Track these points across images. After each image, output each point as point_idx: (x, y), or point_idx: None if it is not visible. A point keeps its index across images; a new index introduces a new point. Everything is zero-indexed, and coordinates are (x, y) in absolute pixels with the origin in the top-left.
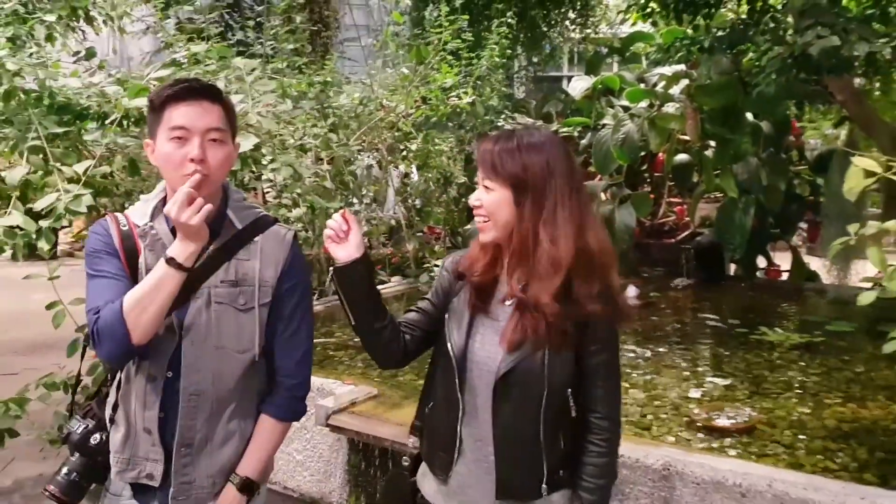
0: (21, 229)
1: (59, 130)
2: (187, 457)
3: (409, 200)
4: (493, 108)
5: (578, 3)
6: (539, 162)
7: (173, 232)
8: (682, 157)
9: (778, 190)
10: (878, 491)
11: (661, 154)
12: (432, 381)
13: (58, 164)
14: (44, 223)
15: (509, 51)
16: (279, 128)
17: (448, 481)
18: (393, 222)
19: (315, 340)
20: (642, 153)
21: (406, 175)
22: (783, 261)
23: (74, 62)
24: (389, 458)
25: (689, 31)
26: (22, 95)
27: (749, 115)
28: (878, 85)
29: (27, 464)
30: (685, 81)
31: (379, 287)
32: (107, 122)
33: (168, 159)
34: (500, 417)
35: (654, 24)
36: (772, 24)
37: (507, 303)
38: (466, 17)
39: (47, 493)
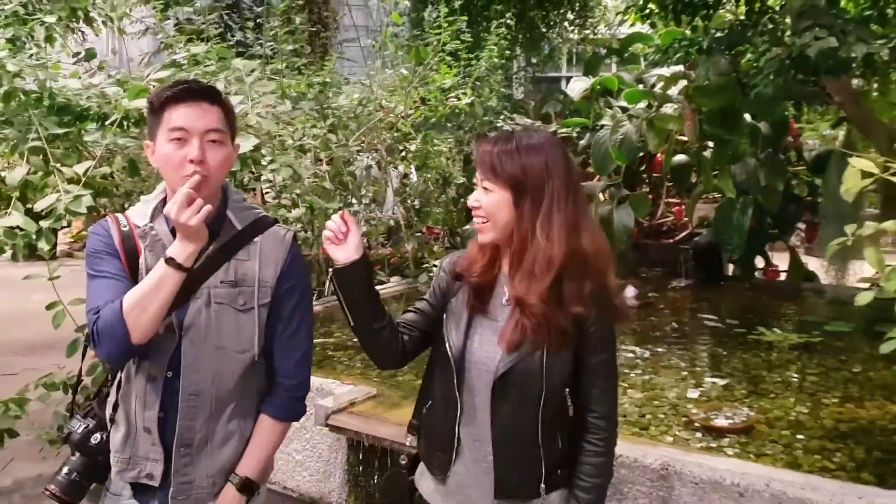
0: (21, 230)
1: (60, 131)
2: (187, 457)
3: (408, 201)
4: (491, 108)
5: (577, 4)
6: (538, 163)
7: (173, 232)
8: (680, 157)
9: (776, 190)
10: (875, 490)
11: (659, 155)
12: (430, 380)
13: (58, 165)
14: (44, 224)
15: (508, 52)
16: (278, 128)
17: (446, 481)
18: (392, 222)
19: (314, 341)
20: (641, 154)
21: (405, 175)
22: (781, 261)
23: (74, 63)
24: (389, 458)
25: (688, 33)
26: (22, 96)
27: (747, 116)
28: (875, 86)
29: (27, 464)
30: (683, 82)
31: (378, 287)
32: (107, 122)
33: (168, 160)
34: (498, 417)
35: (653, 25)
36: (770, 26)
37: (506, 303)
38: (465, 18)
39: (48, 493)
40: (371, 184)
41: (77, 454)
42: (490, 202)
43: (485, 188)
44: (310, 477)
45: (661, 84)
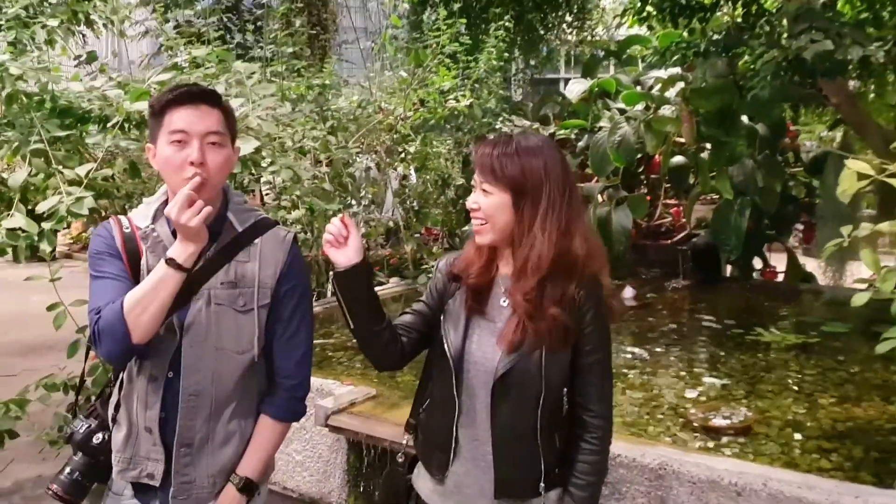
0: (23, 231)
1: (62, 134)
2: (187, 457)
3: (407, 202)
4: (490, 110)
5: (575, 7)
6: (537, 166)
7: (174, 234)
8: (678, 159)
9: (773, 192)
10: (871, 489)
11: (657, 156)
12: (428, 381)
13: (60, 167)
14: (46, 225)
15: (507, 54)
16: (278, 131)
17: (444, 481)
18: (391, 224)
19: (314, 341)
20: (639, 155)
21: (404, 177)
22: (779, 262)
23: (76, 66)
24: (388, 458)
25: (685, 35)
26: (24, 99)
27: (744, 118)
28: (872, 88)
29: (27, 465)
30: (681, 84)
31: (377, 288)
32: (108, 125)
33: (168, 163)
34: (498, 418)
35: (650, 27)
36: (767, 28)
37: (504, 304)
38: (464, 20)
39: (50, 492)
40: (370, 185)
41: (79, 454)
42: (490, 204)
43: (484, 190)
44: (310, 477)
45: (658, 86)
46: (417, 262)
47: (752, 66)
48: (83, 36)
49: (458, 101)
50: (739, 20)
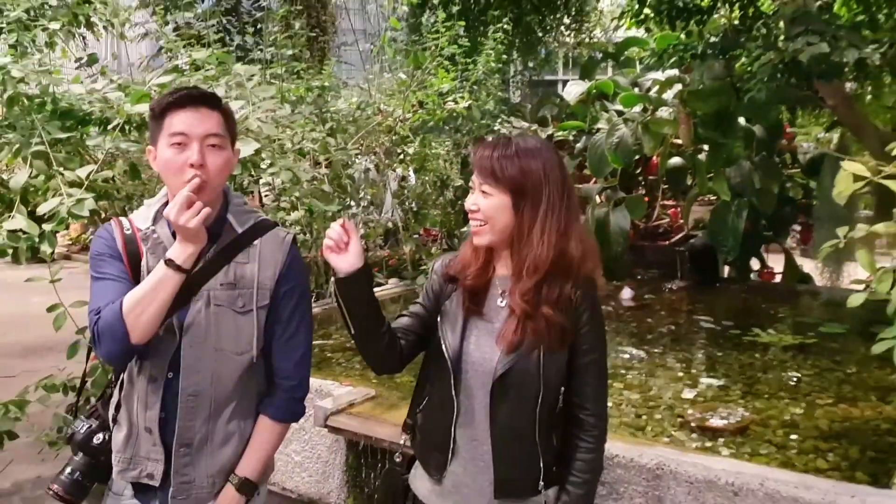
0: (24, 233)
1: (62, 136)
2: (186, 457)
3: (406, 203)
4: (489, 112)
5: (573, 9)
6: (537, 167)
7: (174, 235)
8: (675, 160)
9: (771, 193)
10: (867, 489)
11: (655, 158)
12: (426, 381)
13: (60, 169)
14: (47, 227)
15: (505, 56)
16: (278, 132)
17: (442, 481)
18: (390, 225)
19: (313, 342)
20: (636, 157)
21: (403, 178)
22: (776, 263)
23: (77, 68)
24: (387, 459)
25: (683, 37)
26: (26, 101)
27: (741, 120)
28: (869, 90)
29: (26, 466)
30: (678, 86)
31: (376, 289)
32: (109, 127)
33: (168, 165)
34: (497, 418)
35: (648, 29)
36: (763, 31)
37: (502, 304)
38: (463, 23)
39: (51, 493)
40: (369, 186)
41: (80, 454)
42: (489, 206)
43: (484, 192)
44: (309, 478)
45: (656, 88)
46: (416, 263)
47: (748, 69)
48: (83, 38)
49: (456, 102)
50: (736, 23)
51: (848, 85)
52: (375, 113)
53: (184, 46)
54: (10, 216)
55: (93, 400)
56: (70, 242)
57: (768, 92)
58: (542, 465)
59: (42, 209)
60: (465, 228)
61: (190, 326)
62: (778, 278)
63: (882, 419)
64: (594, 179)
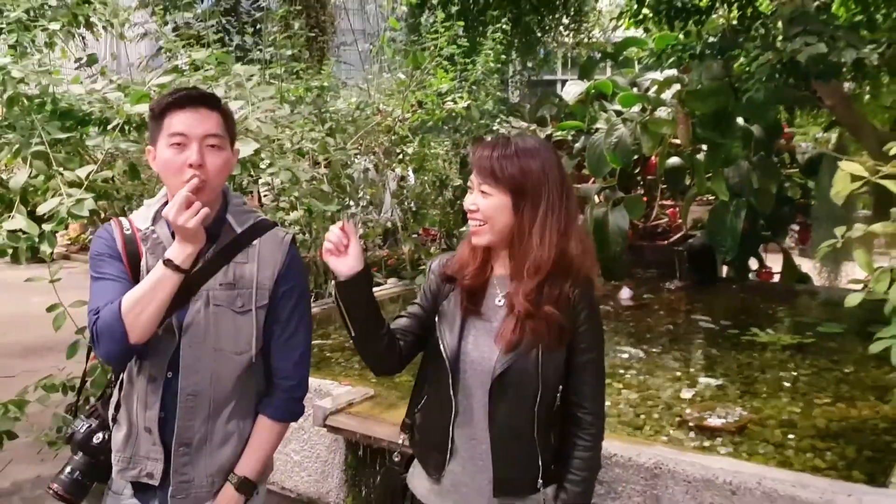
0: (24, 233)
1: (62, 136)
2: (186, 456)
3: (405, 203)
4: (488, 112)
5: (572, 9)
6: (536, 167)
7: (174, 235)
8: (674, 160)
9: (769, 193)
10: (864, 488)
11: (653, 157)
12: (424, 381)
13: (60, 169)
14: (46, 227)
15: (504, 56)
16: (277, 132)
17: (441, 480)
18: (389, 224)
19: (312, 342)
20: (635, 157)
21: (402, 178)
22: (775, 263)
23: (76, 68)
24: (386, 458)
25: (681, 37)
26: (25, 102)
27: (740, 120)
28: (868, 89)
29: (25, 466)
30: (677, 86)
31: (375, 289)
32: (109, 127)
33: (168, 165)
34: (496, 417)
35: (647, 30)
36: (762, 31)
37: (500, 304)
38: (462, 23)
39: (51, 492)
40: (368, 186)
41: (80, 453)
42: (489, 206)
43: (483, 192)
44: (308, 477)
45: (654, 88)
46: (415, 263)
47: (747, 69)
48: (83, 38)
49: (455, 102)
50: (735, 23)
51: (846, 85)
52: (374, 113)
53: (183, 47)
54: (9, 216)
55: (92, 400)
56: (69, 242)
57: (766, 92)
58: (540, 463)
59: (42, 209)
60: (463, 228)
61: (189, 326)
62: (776, 278)
63: (879, 418)
64: (593, 179)
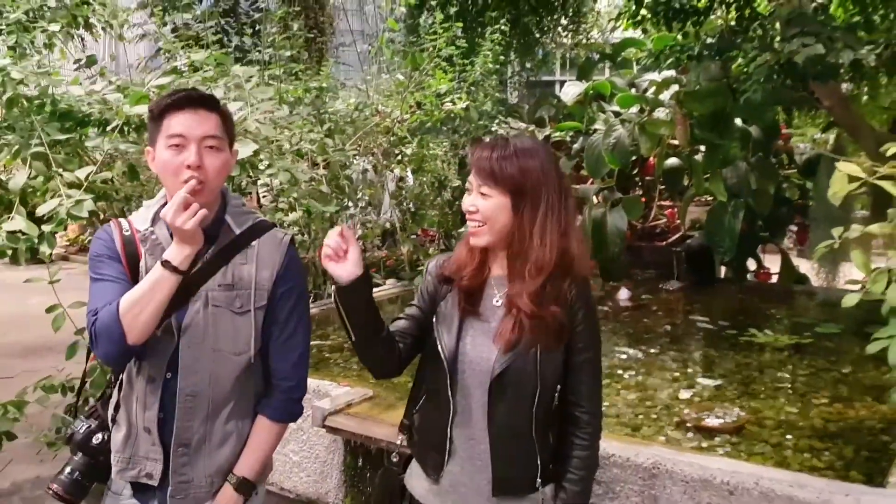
0: (23, 234)
1: (62, 137)
2: (185, 456)
3: (404, 204)
4: (486, 113)
5: (571, 10)
6: (535, 167)
7: (173, 237)
8: (672, 161)
9: (767, 193)
10: (861, 488)
11: (651, 158)
12: (422, 381)
13: (59, 170)
14: (46, 228)
15: (503, 57)
16: (276, 133)
17: (440, 481)
18: (388, 225)
19: (311, 343)
20: (633, 157)
21: (401, 179)
22: (773, 263)
23: (76, 69)
24: (385, 459)
25: (679, 38)
26: (25, 103)
27: (738, 121)
28: (866, 90)
29: (25, 466)
30: (675, 87)
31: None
32: (108, 128)
33: (166, 166)
34: (495, 417)
35: (645, 31)
36: (760, 32)
37: (498, 304)
38: (460, 24)
39: (51, 492)
40: (367, 187)
41: (79, 454)
42: (488, 206)
43: (483, 194)
44: (307, 478)
45: (653, 89)
46: (414, 264)
47: (745, 70)
48: (82, 39)
49: (454, 103)
50: (733, 24)
51: (844, 86)
52: (373, 114)
53: (182, 48)
54: (9, 217)
55: (91, 400)
56: (68, 243)
57: (764, 93)
58: (539, 462)
59: (41, 210)
60: (462, 229)
61: (188, 327)
62: (774, 279)
63: (877, 419)
64: (591, 180)
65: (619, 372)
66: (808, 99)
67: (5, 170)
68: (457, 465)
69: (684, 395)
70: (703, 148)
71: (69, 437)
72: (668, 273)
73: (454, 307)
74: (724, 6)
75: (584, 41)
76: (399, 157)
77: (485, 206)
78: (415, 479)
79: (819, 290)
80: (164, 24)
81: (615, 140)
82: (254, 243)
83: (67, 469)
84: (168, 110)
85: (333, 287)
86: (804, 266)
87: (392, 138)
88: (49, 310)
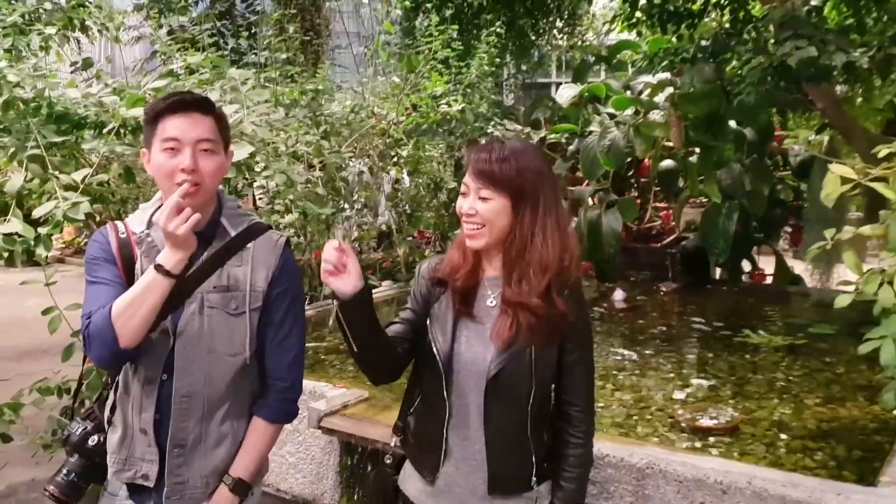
0: (20, 236)
1: (58, 139)
2: (180, 457)
3: (400, 206)
4: (482, 115)
5: (566, 13)
6: (532, 168)
7: None
8: (667, 163)
9: (761, 195)
10: (853, 487)
11: (646, 160)
12: (417, 384)
13: (56, 172)
14: (42, 230)
15: (498, 59)
16: (272, 136)
17: (435, 482)
18: (384, 227)
19: (307, 344)
20: (628, 159)
21: (397, 181)
22: (768, 265)
23: (72, 72)
24: (380, 460)
25: (674, 41)
26: (21, 105)
27: (732, 123)
28: (860, 92)
29: (20, 469)
30: (669, 89)
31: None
32: (104, 131)
33: (161, 170)
34: (491, 417)
35: (640, 33)
36: (753, 35)
37: (492, 304)
38: (456, 26)
39: (47, 493)
40: (363, 189)
41: (75, 455)
42: (488, 209)
43: (482, 197)
44: (303, 479)
45: (647, 91)
46: (410, 266)
47: (739, 72)
48: (78, 42)
49: (450, 105)
50: (727, 27)
51: (838, 88)
52: (369, 116)
53: (178, 50)
54: (5, 219)
55: (88, 402)
56: (64, 246)
57: (758, 95)
58: (534, 460)
59: (37, 212)
60: (458, 231)
61: (184, 329)
62: (769, 280)
63: (869, 419)
64: (586, 182)
65: (614, 373)
66: (802, 101)
67: (1, 172)
68: (452, 465)
69: (678, 395)
70: (697, 150)
71: (65, 438)
72: (663, 274)
73: (448, 309)
74: (718, 9)
75: (580, 43)
76: (395, 159)
77: (484, 208)
78: (409, 480)
79: (813, 291)
80: (160, 27)
81: (610, 142)
82: (249, 245)
83: (64, 471)
84: (163, 114)
85: (335, 302)
86: (798, 267)
87: (388, 140)
88: (45, 312)
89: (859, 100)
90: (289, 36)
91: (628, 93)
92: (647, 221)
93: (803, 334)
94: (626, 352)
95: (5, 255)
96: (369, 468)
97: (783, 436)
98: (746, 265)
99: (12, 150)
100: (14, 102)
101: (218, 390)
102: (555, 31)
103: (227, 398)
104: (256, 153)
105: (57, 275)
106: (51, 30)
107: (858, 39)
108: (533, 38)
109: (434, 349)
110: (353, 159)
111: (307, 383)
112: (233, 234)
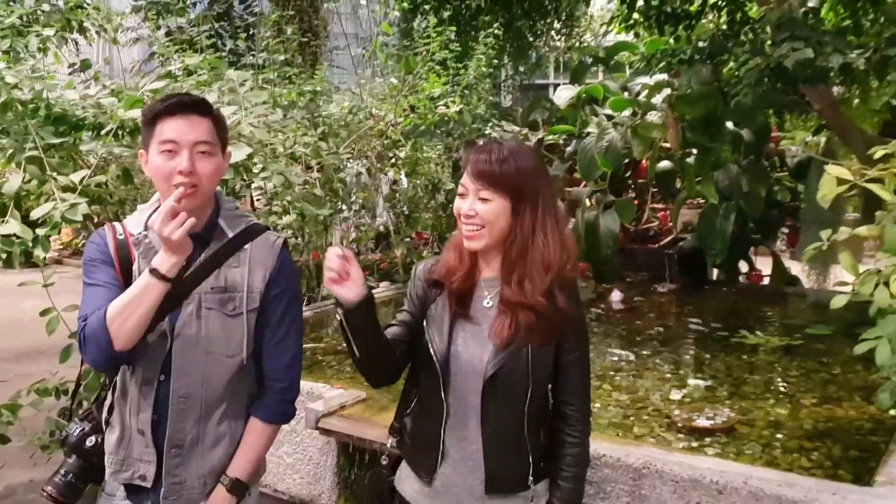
0: (18, 237)
1: (56, 141)
2: (178, 458)
3: (398, 207)
4: (480, 116)
5: (564, 14)
6: (531, 168)
7: None
8: (664, 164)
9: (758, 196)
10: (849, 487)
11: (644, 161)
12: (414, 385)
13: (54, 174)
14: (40, 231)
15: (496, 60)
16: (270, 137)
17: (432, 483)
18: (382, 228)
19: (305, 345)
20: (626, 160)
21: (395, 182)
22: (765, 265)
23: (70, 73)
24: (378, 460)
25: (671, 42)
26: (19, 107)
27: (729, 124)
28: (857, 93)
29: (18, 470)
30: (667, 91)
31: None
32: (102, 132)
33: (158, 172)
34: (488, 417)
35: (637, 34)
36: (750, 36)
37: (488, 305)
38: (454, 28)
39: (45, 494)
40: (361, 190)
41: (73, 456)
42: (489, 211)
43: (482, 198)
44: (300, 479)
45: (645, 92)
46: (407, 267)
47: (736, 74)
48: (76, 43)
49: (447, 107)
50: (724, 28)
51: (835, 89)
52: (367, 117)
53: (176, 52)
54: (3, 221)
55: (86, 403)
56: (62, 247)
57: (755, 96)
58: (531, 460)
59: (35, 214)
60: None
61: (181, 330)
62: (766, 281)
63: (865, 419)
64: (584, 183)
65: (611, 373)
66: (799, 102)
67: (1, 174)
68: (449, 466)
69: (675, 396)
70: (694, 151)
71: (63, 439)
72: (660, 275)
73: (444, 310)
74: (715, 10)
75: (577, 45)
76: (393, 161)
77: (485, 209)
78: (405, 481)
79: (810, 292)
80: (158, 28)
81: (608, 143)
82: (247, 246)
83: (61, 471)
84: (160, 115)
85: (339, 310)
86: (795, 268)
87: (386, 141)
88: (43, 313)
89: (856, 101)
90: (287, 37)
91: (626, 94)
92: (645, 222)
93: (800, 335)
94: (623, 352)
95: (3, 256)
96: (367, 469)
97: (779, 436)
98: (743, 266)
99: (10, 151)
100: (12, 104)
101: (215, 391)
102: (552, 33)
103: (224, 399)
104: (254, 154)
105: (55, 276)
106: (49, 31)
107: (855, 41)
108: (531, 39)
109: (431, 350)
110: (351, 160)
111: (305, 384)
112: (230, 235)
